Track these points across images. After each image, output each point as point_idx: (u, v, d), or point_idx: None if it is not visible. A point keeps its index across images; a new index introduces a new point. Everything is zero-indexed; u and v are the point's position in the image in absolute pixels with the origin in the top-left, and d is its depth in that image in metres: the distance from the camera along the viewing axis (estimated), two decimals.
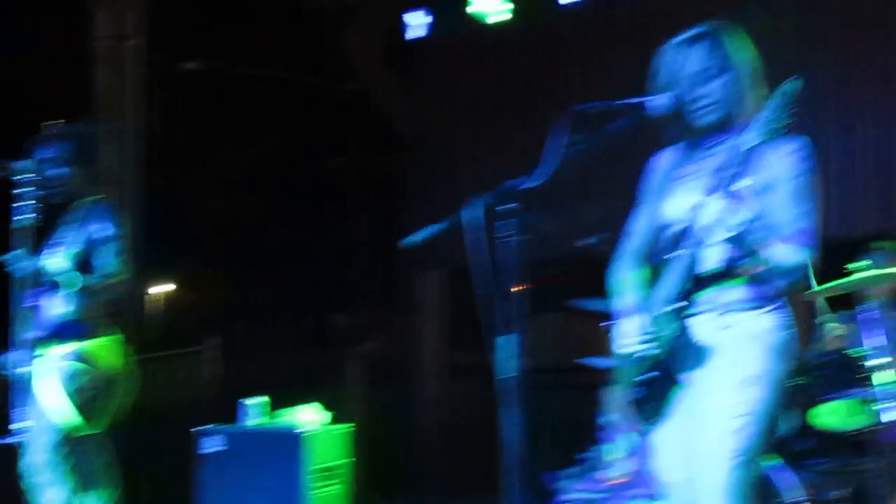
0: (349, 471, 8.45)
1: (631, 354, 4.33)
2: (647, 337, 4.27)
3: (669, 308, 4.19)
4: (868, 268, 6.45)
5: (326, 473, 8.24)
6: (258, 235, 19.12)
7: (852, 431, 6.51)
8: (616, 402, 6.43)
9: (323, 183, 18.05)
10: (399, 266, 12.07)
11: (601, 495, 6.43)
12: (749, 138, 3.91)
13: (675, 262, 4.19)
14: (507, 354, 3.90)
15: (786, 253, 4.03)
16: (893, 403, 6.01)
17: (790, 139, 4.07)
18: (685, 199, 4.25)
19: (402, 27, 10.63)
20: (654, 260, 4.40)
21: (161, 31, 12.13)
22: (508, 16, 10.09)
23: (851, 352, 6.33)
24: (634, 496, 6.27)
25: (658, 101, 4.15)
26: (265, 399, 8.50)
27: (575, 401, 7.46)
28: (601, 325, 7.16)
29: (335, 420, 8.51)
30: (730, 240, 3.94)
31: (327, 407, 8.50)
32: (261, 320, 18.62)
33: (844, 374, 6.25)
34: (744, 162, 3.95)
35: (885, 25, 9.08)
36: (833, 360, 6.32)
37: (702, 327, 4.16)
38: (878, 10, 8.96)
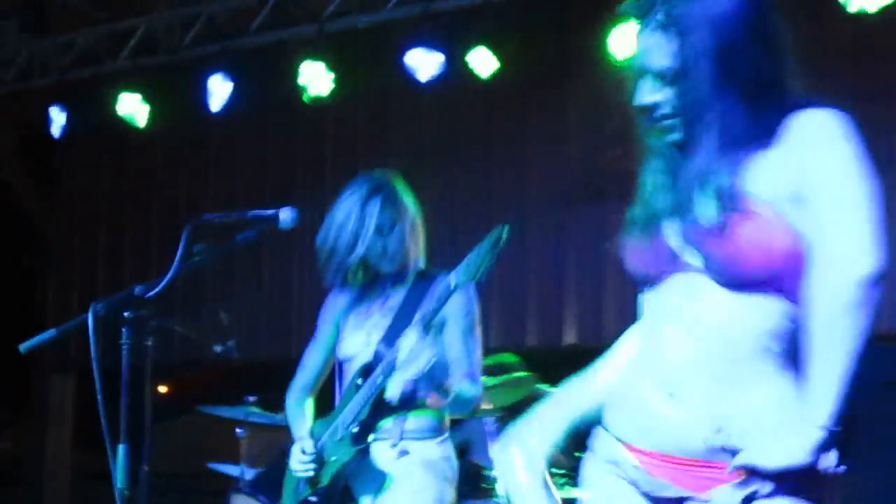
0: None
1: (298, 476, 4.42)
2: (312, 461, 4.35)
3: (345, 433, 4.30)
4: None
5: None
6: None
7: None
8: None
9: None
10: (35, 368, 11.75)
11: None
12: (454, 278, 3.98)
13: (356, 392, 4.30)
14: (123, 464, 3.82)
15: (467, 387, 4.26)
16: None
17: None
18: (363, 336, 4.44)
19: (45, 122, 10.45)
20: (338, 390, 4.54)
21: None
22: (146, 121, 10.02)
23: (478, 463, 6.46)
24: None
25: (287, 216, 4.20)
26: None
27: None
28: (236, 430, 7.17)
29: None
30: (421, 374, 4.01)
31: None
32: None
33: (470, 486, 6.36)
34: (443, 300, 4.04)
35: None
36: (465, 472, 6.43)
37: (380, 453, 4.29)
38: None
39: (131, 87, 10.06)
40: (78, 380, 11.79)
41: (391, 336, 4.31)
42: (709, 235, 2.56)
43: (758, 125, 2.58)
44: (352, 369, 4.42)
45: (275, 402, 6.95)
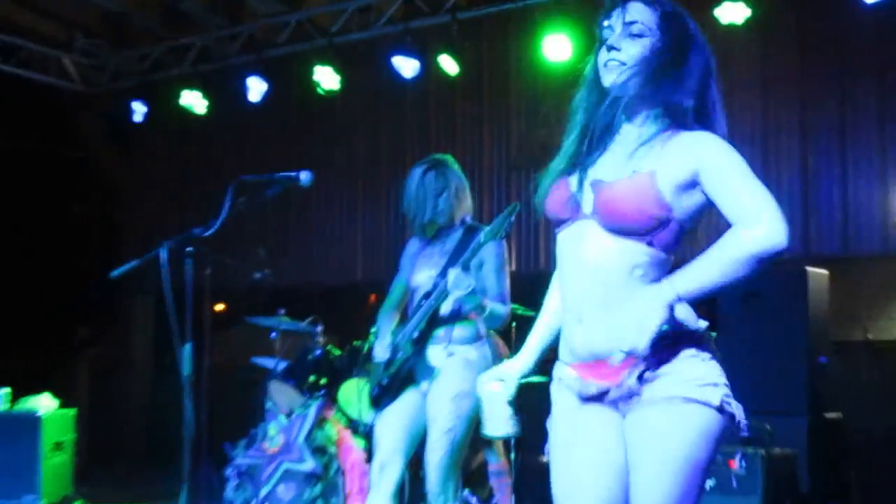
0: (73, 444, 8.19)
1: (378, 360, 4.60)
2: (389, 347, 4.57)
3: (409, 337, 4.50)
4: None
5: (56, 446, 7.97)
6: (12, 265, 18.27)
7: None
8: (275, 394, 6.46)
9: (66, 228, 17.43)
10: (122, 292, 11.75)
11: (262, 460, 6.40)
12: (483, 236, 4.22)
13: (420, 309, 4.48)
14: (188, 357, 3.85)
15: (498, 307, 4.44)
16: None
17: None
18: (427, 272, 4.59)
19: (129, 113, 10.44)
20: (407, 308, 4.72)
21: None
22: (204, 110, 10.02)
23: None
24: (283, 460, 6.29)
25: (306, 177, 4.20)
26: (8, 390, 8.13)
27: (249, 390, 7.41)
28: (271, 334, 7.18)
29: (63, 406, 8.22)
30: (463, 296, 4.26)
31: (57, 396, 8.23)
32: (14, 330, 17.71)
33: None
34: (475, 250, 4.27)
35: None
36: None
37: (435, 354, 4.47)
38: None
39: (191, 87, 10.01)
40: (155, 300, 11.80)
41: (445, 272, 4.44)
42: (599, 189, 2.52)
43: (669, 114, 2.54)
44: (419, 295, 4.58)
45: (299, 313, 7.02)
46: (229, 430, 6.90)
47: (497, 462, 6.69)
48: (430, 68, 8.85)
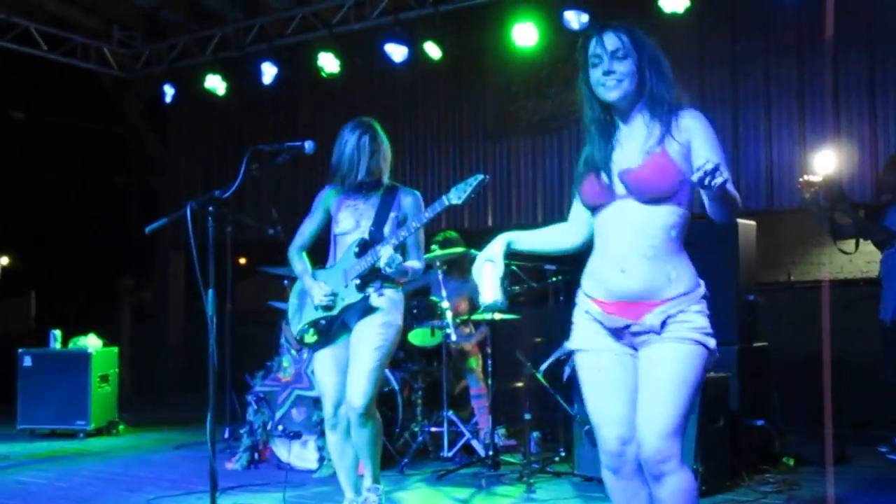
0: (117, 377, 8.18)
1: (317, 306, 4.38)
2: (331, 296, 4.36)
3: (350, 283, 4.33)
4: (435, 248, 6.63)
5: (103, 378, 7.95)
6: (66, 226, 18.23)
7: (430, 346, 6.66)
8: (287, 332, 6.43)
9: (109, 192, 17.37)
10: (159, 247, 11.71)
11: (277, 387, 6.38)
12: (448, 199, 4.12)
13: (356, 258, 4.34)
14: (211, 301, 3.82)
15: (415, 266, 4.40)
16: (453, 330, 6.19)
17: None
18: (353, 220, 4.41)
19: (161, 95, 10.37)
20: (331, 253, 4.50)
21: None
22: (224, 91, 9.94)
23: (431, 298, 6.48)
24: (295, 388, 6.28)
25: (310, 146, 4.15)
26: (60, 331, 8.13)
27: (266, 328, 7.40)
28: (283, 282, 7.15)
29: (108, 345, 8.20)
30: (395, 249, 4.19)
31: (102, 336, 8.21)
32: (67, 281, 17.70)
33: (427, 312, 6.38)
34: (437, 211, 4.20)
35: None
36: (419, 303, 6.44)
37: (371, 295, 4.33)
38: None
39: (214, 71, 9.92)
40: (186, 255, 11.77)
41: (378, 224, 4.35)
42: (628, 175, 2.77)
43: (658, 104, 2.79)
44: (346, 241, 4.42)
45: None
46: (249, 362, 6.88)
47: (477, 387, 6.70)
48: (416, 54, 8.77)
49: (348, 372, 4.29)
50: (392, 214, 4.37)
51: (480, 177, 4.12)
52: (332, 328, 4.37)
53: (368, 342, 4.26)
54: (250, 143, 4.18)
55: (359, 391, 4.21)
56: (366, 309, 4.31)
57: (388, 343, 4.31)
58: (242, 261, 16.43)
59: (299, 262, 4.53)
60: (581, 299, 2.91)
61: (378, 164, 4.41)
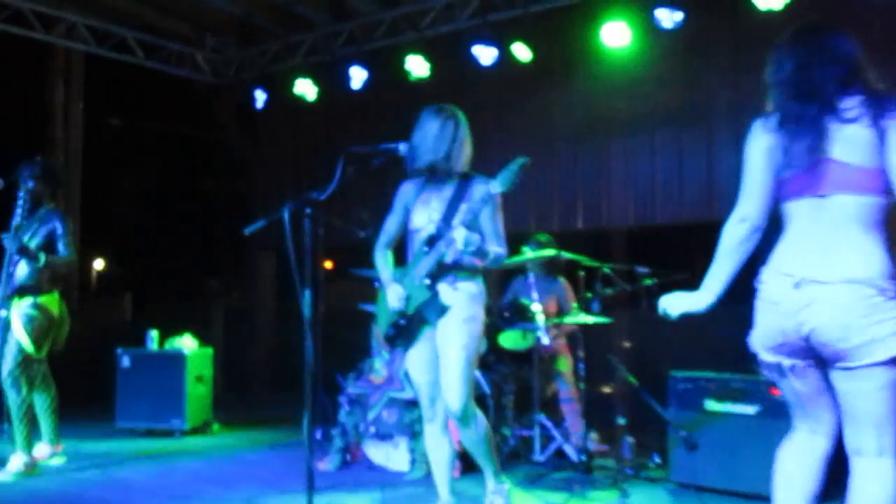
0: (212, 378, 8.36)
1: (394, 308, 4.40)
2: (404, 298, 4.36)
3: (421, 282, 4.30)
4: (527, 250, 6.63)
5: (198, 379, 8.13)
6: (158, 230, 18.72)
7: (521, 350, 6.66)
8: (378, 334, 6.50)
9: (199, 196, 17.78)
10: (248, 248, 11.93)
11: (369, 389, 6.45)
12: (494, 187, 4.05)
13: (426, 255, 4.30)
14: (308, 303, 3.89)
15: (498, 250, 4.31)
16: (545, 333, 6.18)
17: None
18: (426, 214, 4.38)
19: (252, 100, 10.59)
20: (409, 249, 4.48)
21: (94, 97, 11.83)
22: (314, 96, 10.10)
23: (522, 301, 6.47)
24: (387, 390, 6.33)
25: (404, 148, 4.19)
26: (156, 332, 8.33)
27: (358, 331, 7.47)
28: (375, 284, 7.22)
29: (203, 345, 8.38)
30: (474, 247, 4.09)
31: (197, 337, 8.39)
32: (159, 283, 18.16)
33: (518, 315, 6.37)
34: (486, 200, 4.12)
35: None
36: (510, 306, 6.44)
37: (442, 290, 4.29)
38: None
39: (305, 76, 10.07)
40: (277, 256, 11.98)
41: (447, 217, 4.29)
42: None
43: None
44: (419, 238, 4.40)
45: (396, 265, 7.03)
46: (340, 364, 6.97)
47: (568, 390, 6.67)
48: (505, 56, 8.75)
49: (441, 377, 4.31)
50: (463, 206, 4.28)
51: (522, 160, 4.03)
52: (412, 328, 4.39)
53: (453, 343, 4.25)
54: (339, 147, 4.23)
55: (454, 395, 4.22)
56: (442, 306, 4.29)
57: (473, 339, 4.28)
58: (328, 264, 16.62)
59: (382, 261, 4.55)
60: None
61: (457, 152, 4.36)
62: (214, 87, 11.52)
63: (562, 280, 6.97)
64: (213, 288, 13.52)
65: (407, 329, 4.40)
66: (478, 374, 6.06)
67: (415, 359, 4.45)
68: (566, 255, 6.37)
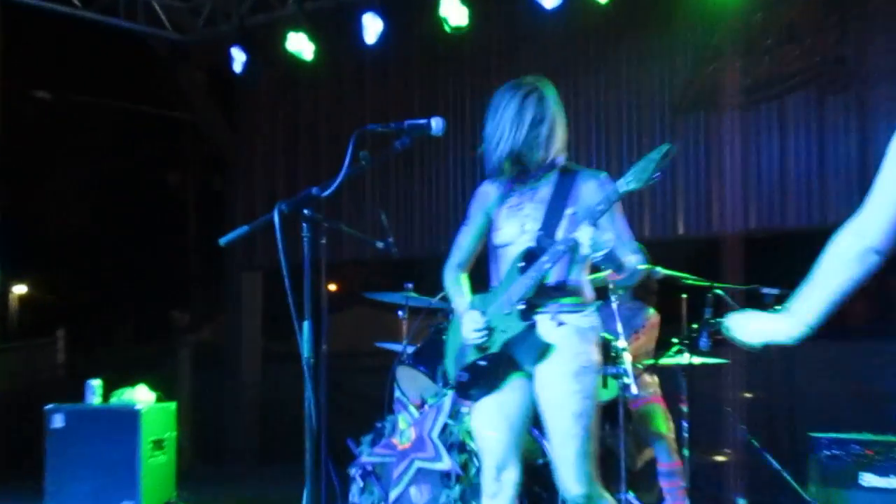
0: (175, 442, 8.39)
1: (471, 343, 4.40)
2: (485, 330, 4.35)
3: (512, 309, 4.29)
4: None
5: (157, 444, 8.18)
6: (103, 242, 18.85)
7: (603, 402, 6.62)
8: (404, 380, 6.50)
9: (159, 196, 17.90)
10: (226, 266, 12.00)
11: (392, 457, 6.46)
12: (625, 184, 3.99)
13: (520, 274, 4.29)
14: (308, 337, 3.90)
15: (637, 259, 4.30)
16: (633, 380, 6.14)
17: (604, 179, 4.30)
18: (517, 225, 4.37)
19: (228, 63, 10.60)
20: (493, 271, 4.49)
21: (13, 63, 11.93)
22: (312, 55, 10.11)
23: (605, 335, 6.43)
24: (416, 458, 6.33)
25: (438, 124, 4.20)
26: (100, 381, 8.38)
27: (372, 378, 7.48)
28: (398, 313, 7.23)
29: (163, 399, 8.44)
30: (604, 255, 4.05)
31: (155, 388, 8.44)
32: (105, 315, 18.31)
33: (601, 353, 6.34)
34: (612, 200, 4.07)
35: None
36: None
37: (541, 325, 4.27)
38: None
39: (299, 29, 10.09)
40: (264, 277, 12.02)
41: (549, 226, 4.29)
42: None
43: None
44: (509, 254, 4.39)
45: (429, 288, 7.03)
46: (352, 423, 6.97)
47: (668, 461, 6.61)
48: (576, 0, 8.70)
49: (552, 453, 4.34)
50: (568, 211, 4.28)
51: (665, 147, 3.96)
52: (497, 371, 4.39)
53: (564, 407, 4.24)
54: (347, 125, 4.25)
55: (573, 477, 4.24)
56: (542, 345, 4.28)
57: (589, 398, 4.27)
58: (332, 287, 16.69)
59: (455, 284, 4.59)
60: None
61: (547, 138, 4.35)
62: (178, 47, 11.56)
63: (651, 312, 6.91)
64: (177, 321, 13.63)
65: (488, 373, 4.40)
66: (535, 432, 6.05)
67: (487, 410, 4.45)
68: (662, 270, 6.35)
